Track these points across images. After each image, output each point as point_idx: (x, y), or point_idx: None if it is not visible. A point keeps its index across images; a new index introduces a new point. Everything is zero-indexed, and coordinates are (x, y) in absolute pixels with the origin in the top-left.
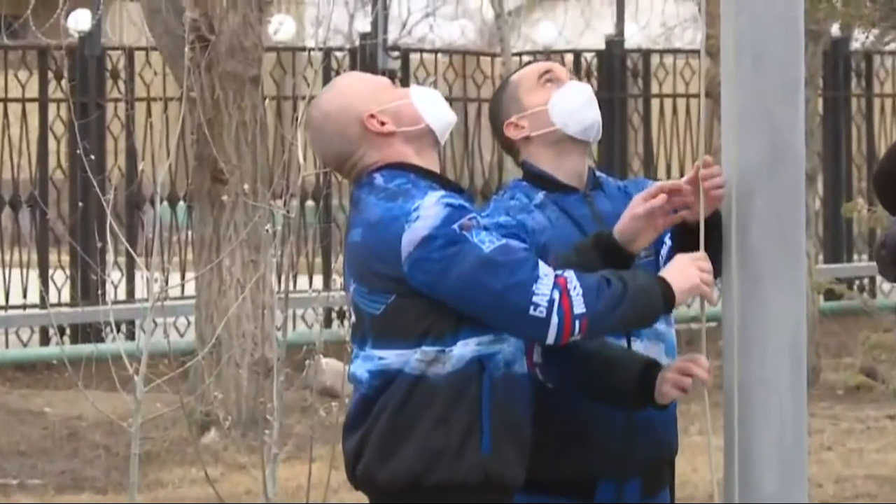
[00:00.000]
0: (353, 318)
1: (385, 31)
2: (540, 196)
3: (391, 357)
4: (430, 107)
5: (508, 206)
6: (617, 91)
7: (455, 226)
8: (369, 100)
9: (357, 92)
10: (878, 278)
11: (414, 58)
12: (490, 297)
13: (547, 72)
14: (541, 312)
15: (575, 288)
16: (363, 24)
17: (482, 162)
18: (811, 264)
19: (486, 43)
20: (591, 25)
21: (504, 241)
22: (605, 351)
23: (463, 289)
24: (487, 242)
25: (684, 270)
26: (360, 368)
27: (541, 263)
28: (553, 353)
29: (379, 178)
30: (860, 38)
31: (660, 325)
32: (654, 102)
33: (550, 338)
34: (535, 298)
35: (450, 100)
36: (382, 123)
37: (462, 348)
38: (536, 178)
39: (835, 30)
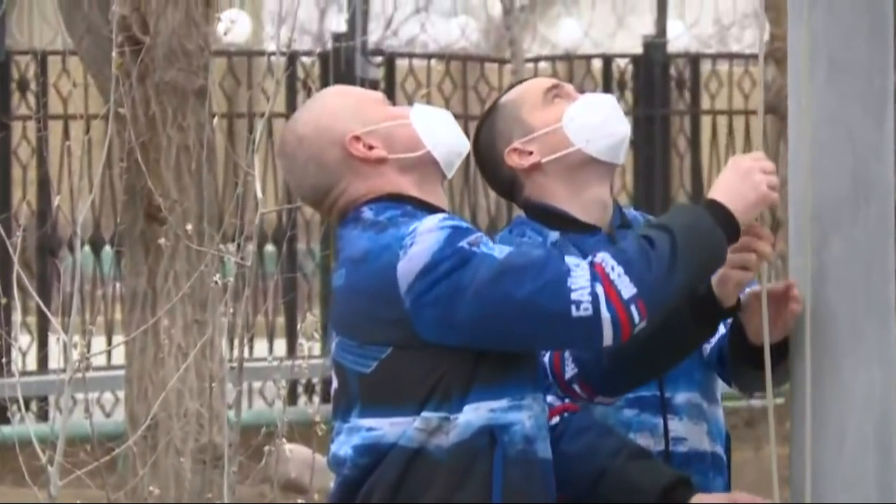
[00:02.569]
0: (336, 384)
1: (365, 32)
2: (554, 235)
3: (384, 427)
4: (434, 129)
5: (520, 244)
6: (658, 107)
7: (462, 243)
8: (353, 119)
9: (338, 109)
10: None
11: (401, 64)
12: (519, 308)
13: (554, 86)
14: (586, 310)
15: (613, 269)
16: (337, 23)
17: (487, 197)
18: None
19: (492, 46)
20: (625, 24)
21: (513, 247)
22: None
23: (483, 311)
24: (498, 249)
25: (746, 177)
26: (344, 445)
27: (567, 256)
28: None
29: (367, 212)
30: None
31: (702, 401)
32: (706, 120)
33: (608, 338)
34: (573, 296)
35: None
36: (370, 148)
37: (470, 414)
38: (548, 216)
39: None
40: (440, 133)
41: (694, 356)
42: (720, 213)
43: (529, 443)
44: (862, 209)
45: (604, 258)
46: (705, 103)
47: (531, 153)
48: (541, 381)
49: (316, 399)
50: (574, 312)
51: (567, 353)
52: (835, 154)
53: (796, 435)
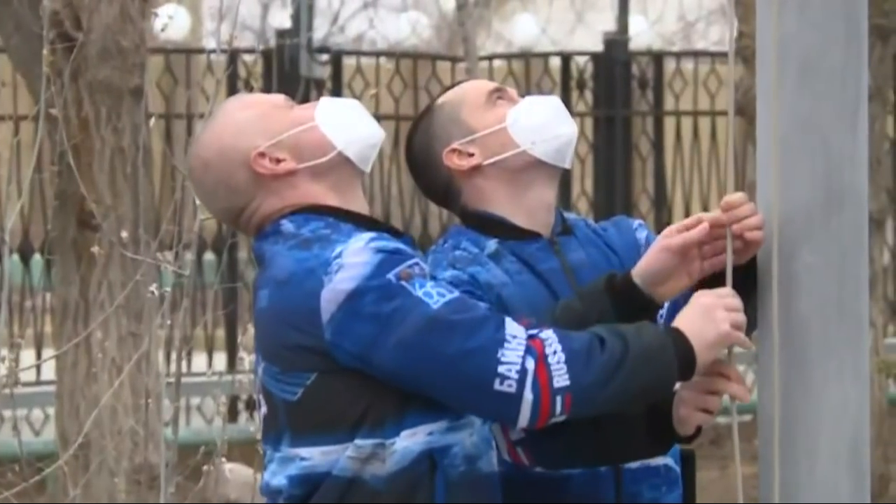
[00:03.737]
0: (264, 409)
1: (310, 28)
2: (492, 244)
3: (315, 456)
4: (343, 126)
5: (453, 259)
6: (620, 107)
7: (391, 275)
8: (256, 133)
9: (239, 125)
10: None
11: (348, 63)
12: (442, 367)
13: (497, 89)
14: (509, 386)
15: (555, 353)
16: (281, 19)
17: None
18: (877, 338)
19: (444, 43)
20: (585, 20)
21: (457, 293)
22: None
23: (405, 359)
24: (436, 296)
25: (706, 314)
26: (277, 475)
27: (509, 322)
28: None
29: (287, 225)
30: None
31: None
32: (669, 122)
33: (523, 419)
34: (501, 368)
35: (396, 118)
36: (278, 161)
37: (408, 440)
38: (486, 224)
39: None
40: (350, 129)
41: None
42: (682, 347)
43: (471, 462)
44: (834, 217)
45: (549, 338)
46: (669, 104)
47: (472, 155)
48: None
49: (257, 416)
50: (496, 385)
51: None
52: (806, 159)
53: (764, 454)
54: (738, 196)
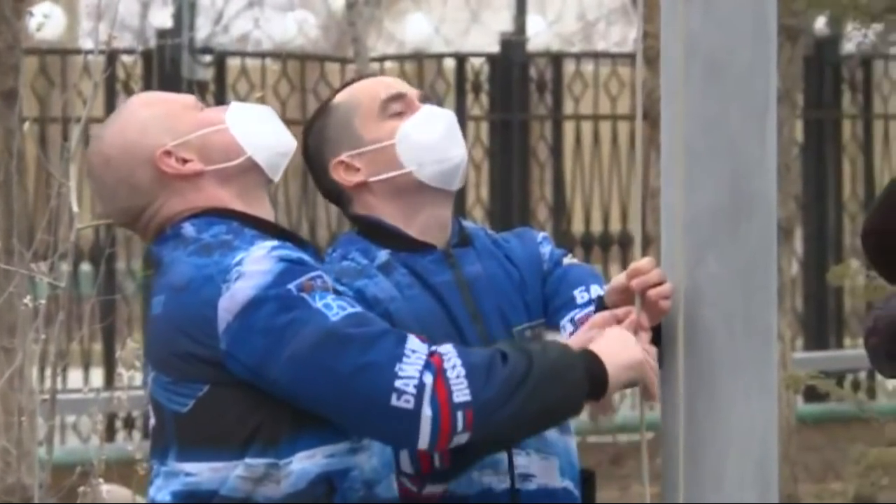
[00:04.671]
0: (153, 422)
1: (192, 28)
2: (384, 255)
3: (203, 473)
4: (254, 131)
5: (339, 271)
6: (517, 111)
7: (292, 286)
8: (163, 131)
9: (145, 122)
10: None
11: (233, 64)
12: (335, 383)
13: (394, 98)
14: (406, 402)
15: (454, 367)
16: (162, 18)
17: (327, 210)
18: (786, 352)
19: (333, 44)
20: (480, 20)
21: (360, 308)
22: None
23: (299, 372)
24: (336, 308)
25: (621, 340)
26: (162, 490)
27: (411, 338)
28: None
29: (188, 228)
30: (855, 38)
31: (552, 430)
32: (569, 126)
33: (423, 439)
34: (398, 383)
35: (283, 122)
36: (184, 162)
37: (305, 461)
38: (377, 234)
39: (820, 26)
40: (260, 134)
41: None
42: (593, 367)
43: (370, 487)
44: (742, 225)
45: (448, 352)
46: (568, 107)
47: (358, 170)
48: None
49: (136, 435)
50: (393, 401)
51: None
52: (712, 164)
53: (668, 473)
54: (647, 262)
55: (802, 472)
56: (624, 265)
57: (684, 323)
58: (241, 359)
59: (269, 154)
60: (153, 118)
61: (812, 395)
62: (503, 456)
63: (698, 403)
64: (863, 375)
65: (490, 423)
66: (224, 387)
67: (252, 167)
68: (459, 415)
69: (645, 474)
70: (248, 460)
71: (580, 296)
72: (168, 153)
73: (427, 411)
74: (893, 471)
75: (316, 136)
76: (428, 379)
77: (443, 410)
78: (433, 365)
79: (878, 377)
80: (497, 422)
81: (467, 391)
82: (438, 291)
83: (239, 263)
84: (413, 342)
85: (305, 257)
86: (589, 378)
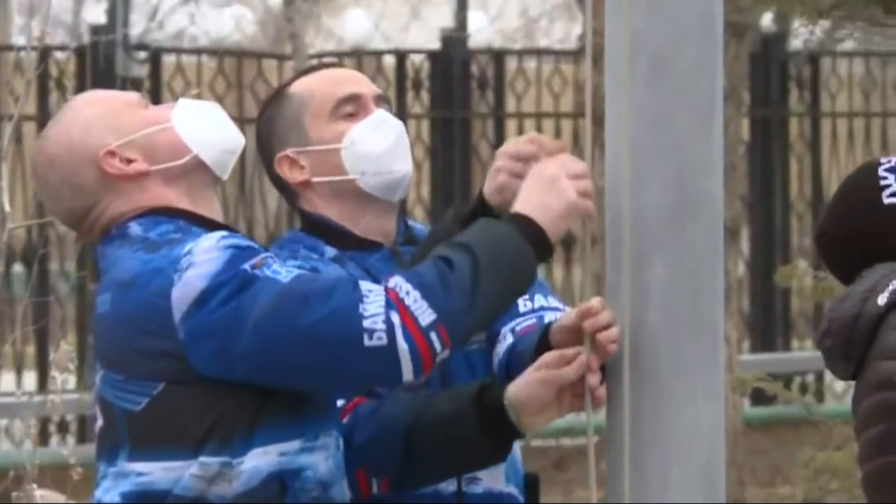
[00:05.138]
0: (100, 422)
1: (126, 24)
2: (331, 252)
3: (156, 472)
4: (201, 129)
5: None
6: (458, 109)
7: (245, 265)
8: (106, 130)
9: (88, 121)
10: (828, 374)
11: (168, 60)
12: (304, 339)
13: (349, 99)
14: (380, 339)
15: (409, 293)
16: (95, 14)
17: (265, 210)
18: (732, 354)
19: (271, 40)
20: (421, 15)
21: (305, 269)
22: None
23: (264, 343)
24: (283, 272)
25: (551, 186)
26: (110, 492)
27: (361, 281)
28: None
29: (135, 228)
30: (802, 35)
31: None
32: (511, 124)
33: (407, 371)
34: (366, 323)
35: None
36: (128, 162)
37: (257, 459)
38: (324, 231)
39: (767, 23)
40: (208, 132)
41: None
42: (526, 227)
43: (324, 488)
44: (688, 225)
45: (397, 283)
46: (510, 105)
47: (302, 168)
48: (336, 416)
49: (71, 439)
50: (367, 341)
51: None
52: (657, 163)
53: (613, 478)
54: (597, 302)
55: (749, 476)
56: (567, 265)
57: (630, 325)
58: (203, 347)
59: (217, 152)
60: (96, 117)
61: (759, 397)
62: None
63: (644, 406)
64: (811, 378)
65: (462, 328)
66: (180, 384)
67: (198, 166)
68: (433, 336)
69: (592, 478)
70: (202, 459)
71: (523, 304)
72: (112, 153)
73: (403, 345)
74: (842, 475)
75: (266, 126)
76: (394, 316)
77: (417, 339)
78: (392, 301)
79: (827, 379)
80: (467, 323)
81: (430, 310)
82: None
83: (189, 253)
84: (366, 283)
85: (254, 244)
86: (531, 244)
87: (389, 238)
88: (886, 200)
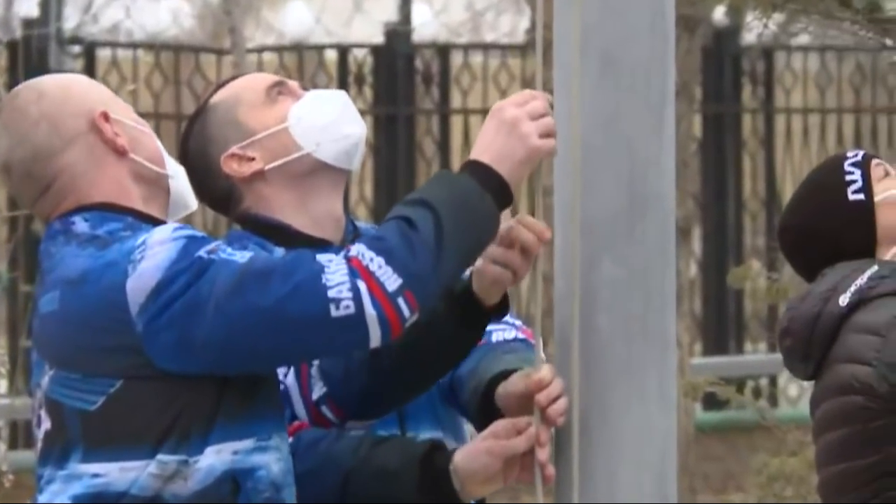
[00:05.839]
0: (47, 425)
1: (60, 18)
2: (280, 251)
3: (112, 473)
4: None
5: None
6: (402, 104)
7: (201, 252)
8: (107, 102)
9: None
10: (782, 377)
11: (103, 55)
12: (269, 317)
13: (277, 83)
14: (347, 307)
15: (373, 260)
16: (28, 7)
17: (204, 210)
18: (684, 358)
19: (209, 34)
20: (364, 9)
21: (259, 252)
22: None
23: (228, 325)
24: (238, 255)
25: (512, 130)
26: (59, 496)
27: (319, 254)
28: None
29: (80, 224)
30: (755, 29)
31: (449, 440)
32: (457, 120)
33: (375, 338)
34: (331, 293)
35: (156, 115)
36: (116, 134)
37: (213, 457)
38: (270, 231)
39: (719, 16)
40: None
41: (434, 391)
42: (487, 178)
43: (277, 490)
44: (638, 225)
45: (359, 250)
46: (456, 101)
47: (253, 159)
48: (284, 419)
49: (1, 445)
50: (334, 312)
51: (314, 371)
52: (608, 162)
53: (561, 484)
54: (548, 372)
55: (701, 483)
56: None
57: (579, 328)
58: (164, 337)
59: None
60: (101, 90)
61: (711, 402)
62: None
63: (593, 411)
64: (764, 382)
65: (429, 290)
66: (139, 380)
67: (163, 178)
68: (401, 301)
69: (538, 484)
70: (160, 457)
71: None
72: (105, 117)
73: (371, 311)
74: (796, 481)
75: (197, 139)
76: (360, 283)
77: (385, 306)
78: (356, 269)
79: (781, 383)
80: (436, 285)
81: (395, 275)
82: None
83: (143, 244)
84: (323, 254)
85: (207, 236)
86: (492, 193)
87: (340, 225)
88: (851, 197)
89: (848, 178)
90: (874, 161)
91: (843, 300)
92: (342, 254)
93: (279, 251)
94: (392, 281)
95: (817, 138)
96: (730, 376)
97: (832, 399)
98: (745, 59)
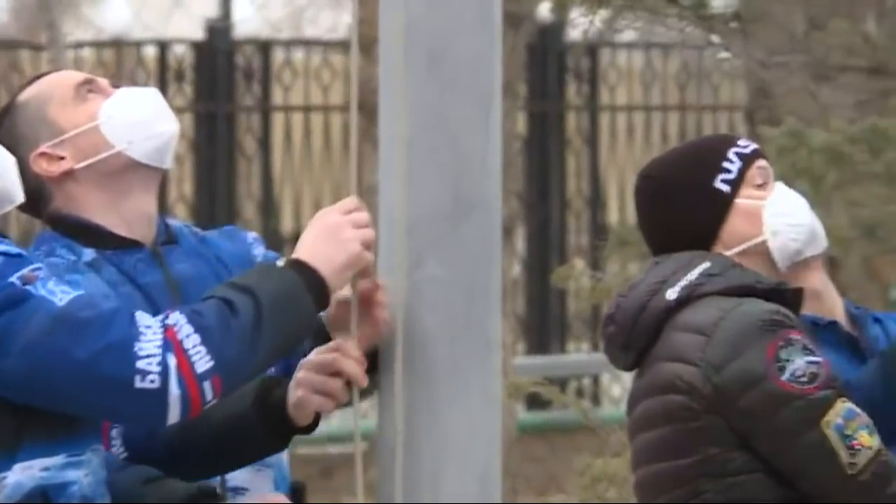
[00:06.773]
0: None
1: None
2: (90, 253)
3: None
4: None
5: (50, 266)
6: (222, 101)
7: (14, 279)
8: None
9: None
10: (605, 377)
11: None
12: (75, 370)
13: (87, 81)
14: (152, 382)
15: (189, 336)
16: None
17: (16, 214)
18: (507, 357)
19: (25, 29)
20: (184, 4)
21: (83, 291)
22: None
23: (34, 365)
24: (59, 294)
25: (333, 236)
26: None
27: (139, 314)
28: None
29: None
30: (580, 25)
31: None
32: (278, 118)
33: (174, 415)
34: (140, 363)
35: None
36: None
37: (20, 474)
38: (80, 232)
39: (544, 12)
40: None
41: None
42: (310, 279)
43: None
44: (464, 225)
45: (178, 323)
46: (278, 97)
47: (63, 158)
48: (100, 431)
49: None
50: (138, 383)
51: (114, 432)
52: (433, 160)
53: (384, 487)
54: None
55: (523, 485)
56: None
57: (403, 328)
58: None
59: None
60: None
61: (534, 402)
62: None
63: (417, 413)
64: (587, 381)
65: (237, 379)
66: None
67: None
68: (206, 385)
69: (359, 485)
70: None
71: None
72: None
73: (175, 390)
74: (620, 482)
75: (5, 137)
76: (170, 358)
77: (190, 387)
78: (170, 341)
79: (604, 382)
80: (244, 374)
81: (208, 357)
82: (148, 292)
83: None
84: (144, 318)
85: (24, 252)
86: (312, 295)
87: (152, 225)
88: (716, 185)
89: (725, 164)
90: (759, 162)
91: (671, 294)
92: (160, 319)
93: (88, 252)
94: (203, 362)
95: (642, 136)
96: (553, 376)
97: (654, 397)
98: (570, 56)
